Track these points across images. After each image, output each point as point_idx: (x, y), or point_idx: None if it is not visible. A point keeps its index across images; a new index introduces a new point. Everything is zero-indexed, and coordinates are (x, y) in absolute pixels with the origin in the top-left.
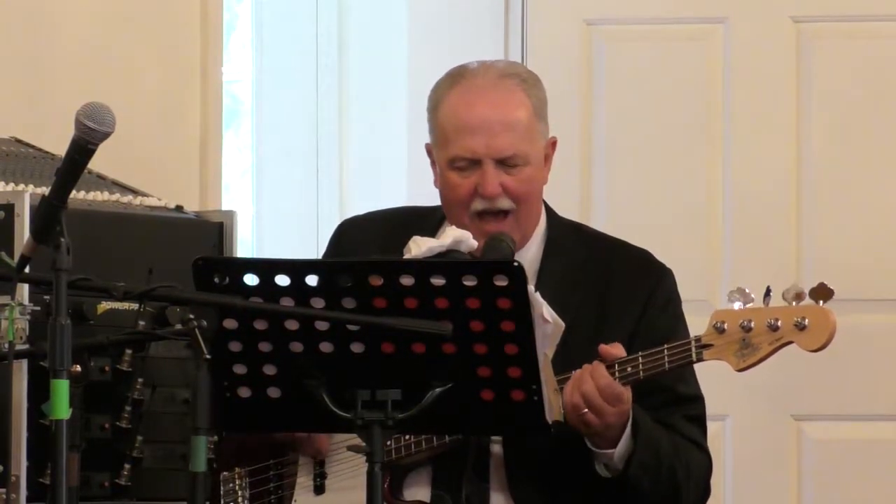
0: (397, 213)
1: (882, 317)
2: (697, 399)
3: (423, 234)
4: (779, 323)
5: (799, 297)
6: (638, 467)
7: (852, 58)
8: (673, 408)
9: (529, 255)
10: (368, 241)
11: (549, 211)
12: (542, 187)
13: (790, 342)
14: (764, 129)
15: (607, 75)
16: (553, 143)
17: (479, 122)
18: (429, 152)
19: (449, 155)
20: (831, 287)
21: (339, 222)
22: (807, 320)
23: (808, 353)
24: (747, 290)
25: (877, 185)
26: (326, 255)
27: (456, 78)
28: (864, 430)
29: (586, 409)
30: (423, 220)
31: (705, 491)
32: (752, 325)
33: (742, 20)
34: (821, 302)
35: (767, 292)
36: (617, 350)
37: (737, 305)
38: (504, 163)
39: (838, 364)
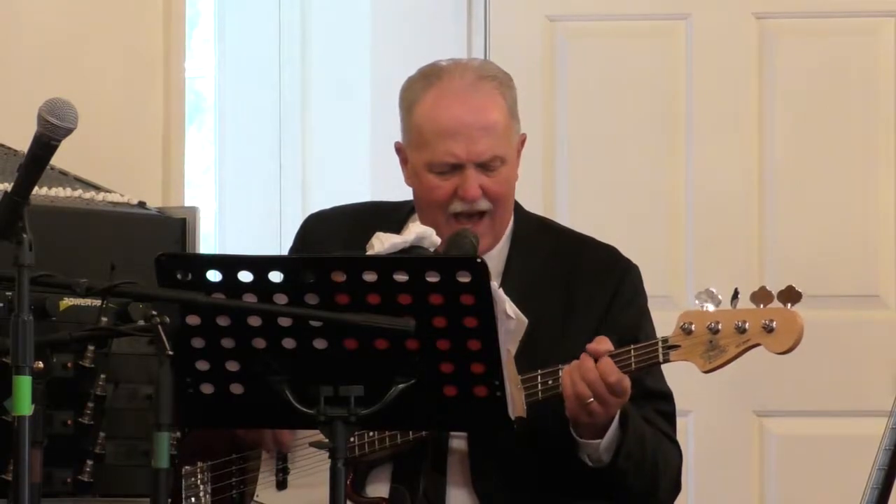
0: (364, 207)
1: (843, 313)
2: (667, 396)
3: (389, 230)
4: (746, 325)
5: (767, 299)
6: (626, 458)
7: (814, 54)
8: (644, 401)
9: (496, 252)
10: (334, 235)
11: (517, 206)
12: (515, 184)
13: (757, 344)
14: (726, 125)
15: (570, 72)
16: (523, 140)
17: (459, 126)
18: (398, 150)
19: (428, 158)
20: (799, 289)
21: (301, 218)
22: (774, 323)
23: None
24: (715, 292)
25: (838, 180)
26: (292, 249)
27: (431, 78)
28: (826, 426)
29: (592, 399)
30: (390, 216)
31: (676, 484)
32: (720, 326)
33: (704, 16)
34: (789, 304)
35: (735, 294)
36: (604, 345)
37: (705, 307)
38: (484, 166)
39: (800, 360)
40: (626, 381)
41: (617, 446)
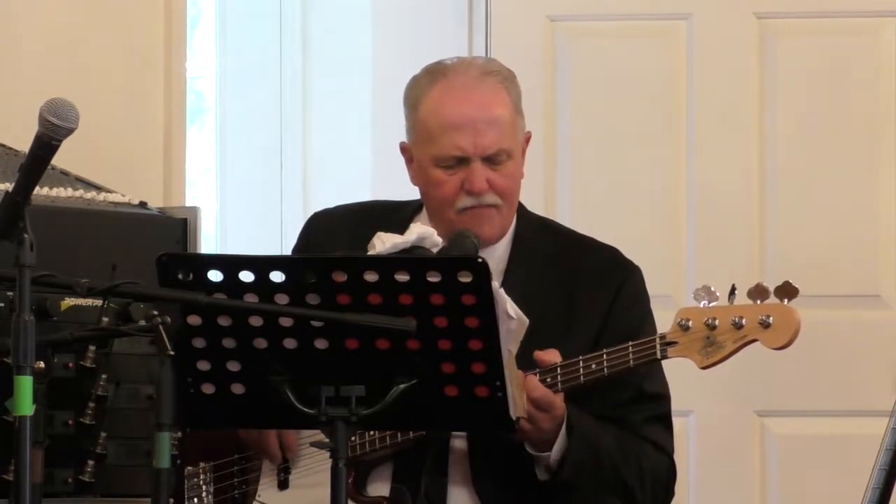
0: (368, 206)
1: (844, 313)
2: (663, 398)
3: (392, 229)
4: (743, 321)
5: (764, 295)
6: (573, 466)
7: (815, 54)
8: (636, 405)
9: (497, 252)
10: (338, 234)
11: (519, 207)
12: (521, 182)
13: (754, 340)
14: (727, 125)
15: (571, 72)
16: (528, 138)
17: (465, 121)
18: (403, 150)
19: (434, 153)
20: (796, 285)
21: (302, 218)
22: (771, 318)
23: (771, 350)
24: (712, 289)
25: (839, 180)
26: (296, 248)
27: (436, 75)
28: (827, 426)
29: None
30: (394, 214)
31: (665, 492)
32: (717, 323)
33: (705, 16)
34: (785, 300)
35: (732, 290)
36: (552, 356)
37: (702, 304)
38: (490, 160)
39: (801, 360)
40: (551, 397)
41: (562, 457)
